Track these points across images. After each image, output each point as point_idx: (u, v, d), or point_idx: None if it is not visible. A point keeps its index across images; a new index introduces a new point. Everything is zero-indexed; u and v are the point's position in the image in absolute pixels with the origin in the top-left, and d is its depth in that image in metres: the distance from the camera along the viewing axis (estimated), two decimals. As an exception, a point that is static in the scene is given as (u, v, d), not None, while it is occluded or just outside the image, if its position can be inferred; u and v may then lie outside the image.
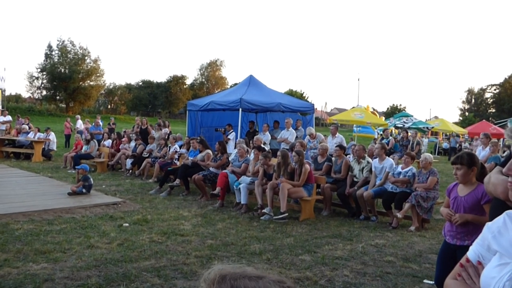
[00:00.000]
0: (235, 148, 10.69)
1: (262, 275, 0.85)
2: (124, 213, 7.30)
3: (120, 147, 13.34)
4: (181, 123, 43.17)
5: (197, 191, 9.30)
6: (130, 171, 12.09)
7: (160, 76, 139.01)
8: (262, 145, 9.96)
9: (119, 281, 4.32)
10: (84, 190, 8.47)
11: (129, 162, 12.32)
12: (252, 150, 9.21)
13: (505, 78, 76.30)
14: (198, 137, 11.52)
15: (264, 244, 5.87)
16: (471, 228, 3.57)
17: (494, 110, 75.60)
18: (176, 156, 11.21)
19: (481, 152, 10.95)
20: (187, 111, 15.85)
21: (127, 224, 6.54)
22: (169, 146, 11.65)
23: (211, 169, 9.25)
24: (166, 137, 12.96)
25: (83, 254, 5.08)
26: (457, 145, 25.78)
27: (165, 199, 8.76)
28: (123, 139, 13.71)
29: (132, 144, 13.05)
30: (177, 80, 70.79)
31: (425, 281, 4.69)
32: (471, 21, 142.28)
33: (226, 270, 0.86)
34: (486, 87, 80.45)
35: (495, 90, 78.25)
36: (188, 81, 74.46)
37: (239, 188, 8.08)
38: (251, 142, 10.99)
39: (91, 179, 8.77)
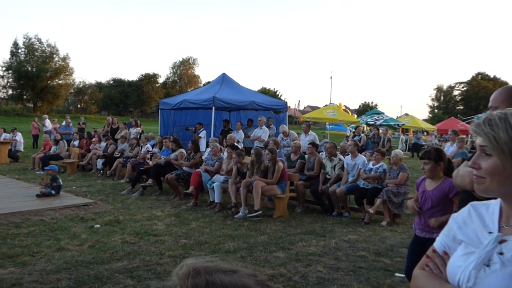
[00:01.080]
0: (207, 147, 10.66)
1: (235, 269, 0.84)
2: (95, 214, 7.16)
3: (90, 147, 13.09)
4: (154, 122, 42.68)
5: (170, 190, 9.22)
6: (101, 171, 11.87)
7: (131, 75, 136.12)
8: (236, 144, 9.95)
9: (91, 283, 4.24)
10: (53, 192, 8.27)
11: (100, 162, 12.10)
12: (226, 149, 9.19)
13: (472, 76, 78.72)
14: (171, 136, 11.41)
15: (238, 242, 5.87)
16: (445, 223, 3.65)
17: (462, 107, 77.86)
18: (148, 156, 11.07)
19: (449, 148, 11.27)
20: (159, 110, 15.67)
21: (98, 226, 6.42)
22: (141, 146, 11.50)
23: (184, 168, 9.18)
24: (138, 137, 12.78)
25: (52, 257, 4.95)
26: (420, 141, 26.16)
27: (137, 199, 8.64)
28: (93, 139, 13.44)
29: (103, 144, 12.81)
30: (149, 79, 69.90)
31: (396, 274, 4.79)
32: (440, 20, 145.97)
33: (199, 264, 0.85)
34: (454, 84, 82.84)
35: (463, 87, 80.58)
36: (161, 80, 73.69)
37: (213, 187, 8.05)
38: (224, 140, 10.96)
39: (60, 180, 8.57)
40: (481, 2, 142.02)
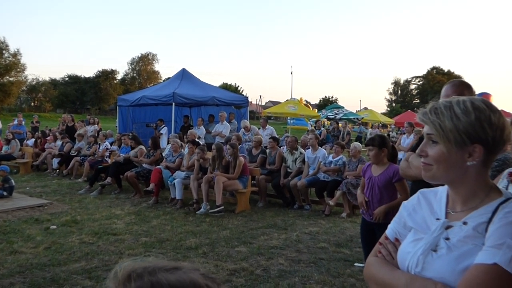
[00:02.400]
0: (168, 143, 10.52)
1: (178, 265, 0.79)
2: (51, 215, 6.91)
3: (45, 146, 12.61)
4: (112, 119, 41.66)
5: (130, 188, 9.03)
6: (57, 171, 11.47)
7: (88, 71, 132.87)
8: (197, 139, 9.87)
9: (46, 286, 4.10)
10: (5, 193, 7.91)
11: (55, 161, 11.68)
12: (187, 145, 9.10)
13: (428, 70, 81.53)
14: (130, 133, 11.16)
15: (200, 238, 5.83)
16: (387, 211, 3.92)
17: (418, 101, 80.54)
18: (107, 154, 10.79)
19: (406, 140, 11.64)
20: (117, 107, 15.30)
21: (54, 227, 6.20)
22: (99, 144, 11.19)
23: (144, 165, 9.02)
24: (96, 135, 12.43)
25: (5, 260, 4.74)
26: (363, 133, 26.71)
27: (96, 198, 8.41)
28: (48, 138, 12.97)
29: (59, 142, 12.37)
30: (106, 75, 68.19)
31: (356, 264, 4.90)
32: (397, 16, 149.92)
33: (137, 266, 0.78)
34: (411, 79, 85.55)
35: (419, 82, 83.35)
36: (119, 76, 72.02)
37: (174, 184, 7.95)
38: (185, 136, 10.85)
39: (13, 181, 8.20)
40: (434, 2, 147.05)
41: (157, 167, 8.61)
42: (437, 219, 1.28)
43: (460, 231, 1.20)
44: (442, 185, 1.33)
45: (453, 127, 1.19)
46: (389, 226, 1.44)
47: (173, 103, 12.75)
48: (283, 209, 7.92)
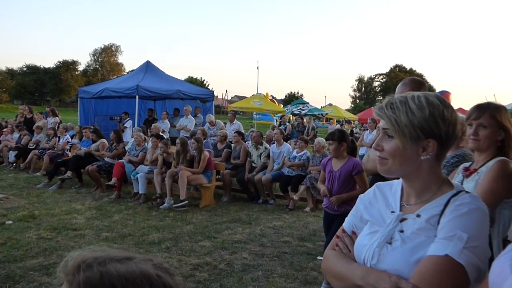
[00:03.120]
0: (132, 137, 10.32)
1: (129, 256, 0.78)
2: (7, 210, 6.65)
3: (1, 139, 12.10)
4: (74, 112, 40.45)
5: (91, 183, 8.81)
6: (14, 164, 11.03)
7: (48, 61, 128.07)
8: (161, 133, 9.74)
9: (1, 283, 3.95)
10: (-43, 187, 7.56)
11: (12, 154, 11.23)
12: (150, 138, 8.96)
13: (391, 68, 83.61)
14: (92, 126, 10.87)
15: (163, 233, 5.77)
16: (346, 200, 4.08)
17: (381, 98, 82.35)
18: (67, 147, 10.48)
19: (368, 136, 11.88)
20: (79, 99, 14.84)
21: (10, 222, 5.97)
22: (59, 137, 10.85)
23: (106, 159, 8.82)
24: (56, 127, 12.04)
25: (-44, 257, 4.54)
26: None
27: (55, 192, 8.16)
28: (4, 130, 12.45)
29: (16, 135, 11.90)
30: (67, 66, 66.08)
31: (318, 257, 4.98)
32: (362, 14, 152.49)
33: (88, 255, 0.77)
34: (374, 76, 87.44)
35: (382, 79, 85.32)
36: (81, 67, 69.94)
37: (137, 178, 7.82)
38: (149, 130, 10.68)
39: (-34, 175, 7.85)
40: (398, 2, 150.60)
41: (120, 161, 8.44)
42: (392, 212, 1.32)
43: (413, 224, 1.24)
44: (398, 178, 1.37)
45: (408, 122, 1.23)
46: (346, 219, 1.47)
47: (137, 96, 12.49)
48: (247, 203, 7.94)
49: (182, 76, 65.73)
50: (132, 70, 16.33)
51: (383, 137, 1.30)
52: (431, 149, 1.24)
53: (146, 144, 8.91)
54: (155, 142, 8.33)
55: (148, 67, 14.34)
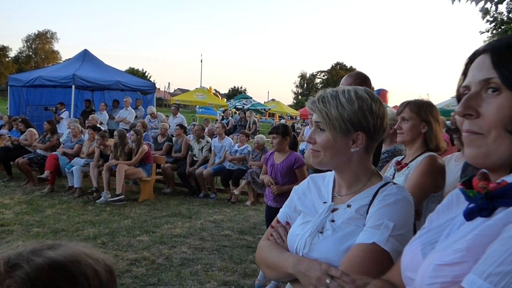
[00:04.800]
0: (67, 128, 9.86)
1: (58, 243, 0.78)
2: None
3: None
4: (3, 100, 38.02)
5: (21, 176, 8.34)
6: None
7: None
8: (99, 125, 9.39)
9: None
10: None
11: None
12: (87, 130, 8.61)
13: (332, 66, 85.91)
14: (21, 116, 10.26)
15: (99, 228, 5.58)
16: (287, 193, 4.10)
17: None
18: (-5, 138, 9.83)
19: (309, 131, 12.14)
20: (8, 87, 13.93)
21: None
22: (-14, 127, 10.15)
23: (38, 151, 8.36)
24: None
25: None
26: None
27: (-20, 186, 7.64)
28: None
29: None
30: (-4, 52, 61.83)
31: (257, 250, 5.02)
32: (305, 11, 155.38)
33: (10, 254, 0.76)
34: (316, 73, 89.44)
35: (323, 76, 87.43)
36: (12, 54, 65.72)
37: (72, 171, 7.49)
38: (86, 121, 10.25)
39: None
40: (340, 2, 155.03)
41: (53, 153, 8.05)
42: (324, 202, 1.36)
43: (344, 213, 1.29)
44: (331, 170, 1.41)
45: (338, 115, 1.26)
46: (281, 210, 1.50)
47: (73, 86, 11.93)
48: (188, 197, 7.87)
49: (123, 67, 63.66)
50: (69, 59, 15.58)
51: (316, 130, 1.33)
52: (360, 141, 1.29)
53: (82, 136, 8.56)
54: (92, 134, 8.02)
55: (85, 55, 13.73)
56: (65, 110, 11.87)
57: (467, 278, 0.68)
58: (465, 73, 0.88)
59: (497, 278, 0.64)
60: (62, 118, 11.48)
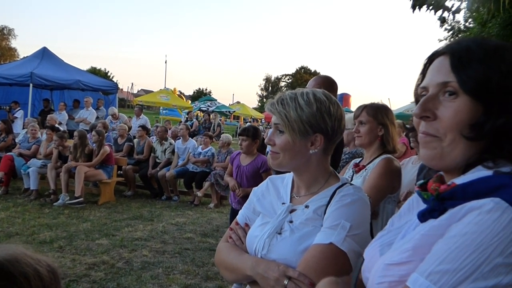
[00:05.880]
0: (23, 128, 9.52)
1: None
2: None
3: None
4: (-45, 99, 36.29)
5: (-27, 177, 7.95)
6: None
7: None
8: (57, 125, 9.11)
9: None
10: None
11: None
12: (45, 131, 8.33)
13: (297, 69, 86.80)
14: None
15: (56, 231, 5.40)
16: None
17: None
18: None
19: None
20: (-41, 85, 13.29)
21: None
22: None
23: (-8, 151, 8.02)
24: None
25: None
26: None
27: None
28: None
29: None
30: None
31: (220, 253, 5.00)
32: (271, 16, 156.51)
33: None
34: (281, 76, 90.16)
35: (288, 79, 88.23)
36: (-36, 50, 62.73)
37: (28, 173, 7.22)
38: (45, 121, 9.91)
39: None
40: (306, 6, 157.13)
41: (8, 154, 7.73)
42: (283, 203, 1.37)
43: (302, 214, 1.30)
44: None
45: (297, 117, 1.28)
46: (240, 212, 1.50)
47: (31, 84, 11.52)
48: (150, 200, 7.74)
49: (84, 66, 62.01)
50: (27, 57, 15.00)
51: (275, 132, 1.34)
52: (318, 143, 1.31)
53: (40, 136, 8.27)
54: (50, 134, 7.77)
55: (45, 53, 13.31)
56: (19, 109, 11.43)
57: (411, 277, 0.70)
58: (423, 73, 0.89)
59: (437, 276, 0.66)
60: (16, 117, 11.05)
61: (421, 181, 0.92)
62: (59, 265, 4.20)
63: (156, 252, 4.90)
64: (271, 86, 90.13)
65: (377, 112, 2.37)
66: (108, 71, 69.95)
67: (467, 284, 0.63)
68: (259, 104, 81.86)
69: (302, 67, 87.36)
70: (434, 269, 0.67)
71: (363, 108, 2.39)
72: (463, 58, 0.80)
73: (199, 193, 7.42)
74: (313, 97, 1.30)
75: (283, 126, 1.29)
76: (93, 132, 7.40)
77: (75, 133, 7.42)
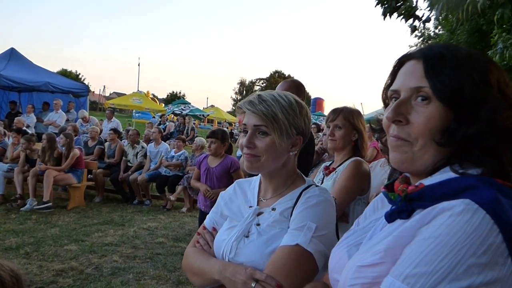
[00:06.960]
0: (-11, 131, 9.21)
1: None
2: None
3: None
4: None
5: None
6: None
7: None
8: (25, 128, 8.86)
9: None
10: None
11: None
12: (11, 134, 8.09)
13: (271, 74, 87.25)
14: None
15: (23, 237, 5.24)
16: None
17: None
18: None
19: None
20: None
21: None
22: None
23: (-45, 155, 7.73)
24: None
25: None
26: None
27: None
28: None
29: None
30: None
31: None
32: (246, 20, 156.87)
33: None
34: (255, 80, 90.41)
35: (262, 83, 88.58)
36: None
37: (-7, 177, 6.99)
38: (12, 124, 9.64)
39: None
40: (281, 11, 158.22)
41: (-27, 157, 7.47)
42: (250, 206, 1.36)
43: (269, 217, 1.30)
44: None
45: (284, 119, 1.27)
46: (207, 216, 1.49)
47: (-3, 86, 11.19)
48: (121, 204, 7.61)
49: (54, 68, 60.61)
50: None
51: (254, 134, 1.29)
52: (298, 145, 1.33)
53: (6, 139, 8.03)
54: (16, 137, 7.55)
55: (12, 54, 12.94)
56: (-14, 112, 11.09)
57: (385, 280, 0.70)
58: (393, 76, 0.88)
59: (413, 280, 0.66)
60: (-18, 120, 10.71)
61: (388, 182, 0.93)
62: (25, 272, 4.08)
63: (126, 257, 4.81)
64: (245, 90, 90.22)
65: (353, 117, 2.39)
66: (79, 74, 68.60)
67: (443, 286, 0.64)
68: (233, 107, 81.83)
69: (276, 71, 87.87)
70: (410, 272, 0.67)
71: (340, 112, 2.40)
72: (436, 64, 0.80)
73: (172, 197, 7.34)
74: (294, 99, 1.31)
75: (269, 128, 1.26)
76: (61, 135, 7.23)
77: (44, 136, 7.23)
